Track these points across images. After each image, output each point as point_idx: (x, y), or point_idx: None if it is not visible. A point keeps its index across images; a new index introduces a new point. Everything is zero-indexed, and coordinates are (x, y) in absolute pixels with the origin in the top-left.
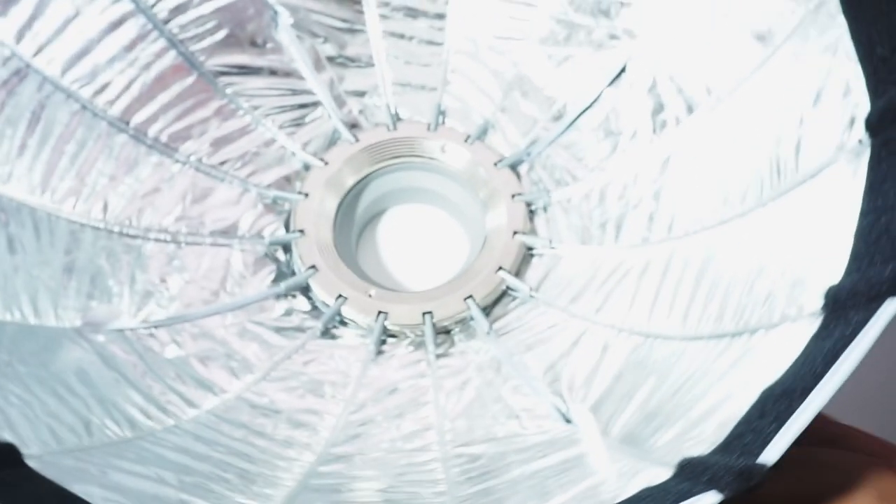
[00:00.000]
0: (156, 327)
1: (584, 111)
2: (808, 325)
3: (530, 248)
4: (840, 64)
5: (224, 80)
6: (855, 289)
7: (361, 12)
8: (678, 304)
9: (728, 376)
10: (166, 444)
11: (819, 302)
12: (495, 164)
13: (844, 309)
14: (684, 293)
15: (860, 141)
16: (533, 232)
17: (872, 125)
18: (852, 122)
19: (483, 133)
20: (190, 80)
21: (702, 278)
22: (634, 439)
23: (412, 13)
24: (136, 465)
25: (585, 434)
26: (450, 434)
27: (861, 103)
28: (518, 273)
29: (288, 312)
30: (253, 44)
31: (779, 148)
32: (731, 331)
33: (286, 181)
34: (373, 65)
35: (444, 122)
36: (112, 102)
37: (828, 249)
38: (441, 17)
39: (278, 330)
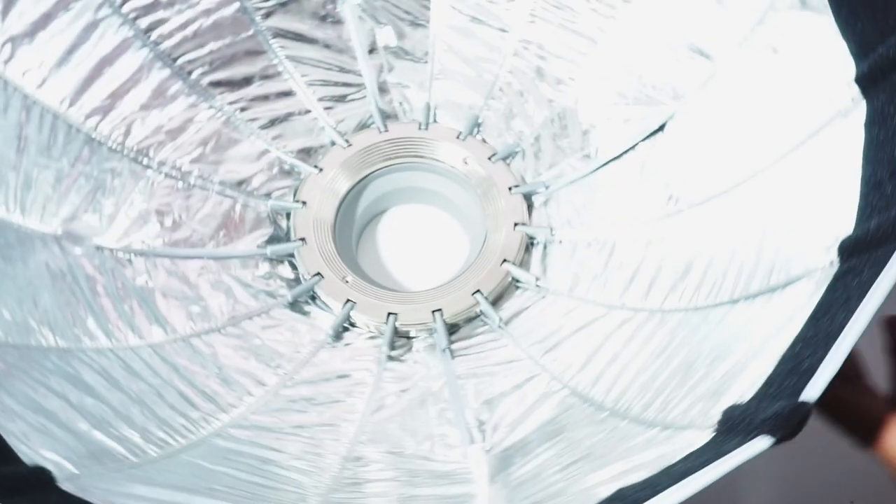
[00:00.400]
0: (135, 255)
1: (614, 158)
2: (702, 437)
3: (517, 280)
4: (844, 178)
5: (279, 42)
6: (744, 416)
7: (428, 8)
8: (625, 377)
9: (616, 463)
10: (91, 364)
11: (718, 417)
12: (510, 189)
13: (730, 432)
14: (635, 367)
15: (831, 263)
16: (526, 264)
17: (845, 250)
18: (834, 241)
19: (510, 155)
20: (245, 34)
21: (657, 358)
22: (520, 494)
23: (477, 20)
24: (47, 375)
25: (476, 476)
26: (364, 435)
27: (846, 226)
28: (496, 301)
29: (269, 276)
30: (315, 14)
31: (765, 248)
32: (649, 420)
33: (307, 153)
34: (426, 62)
35: (476, 134)
36: (165, 37)
37: (753, 368)
38: (504, 31)
39: (251, 290)
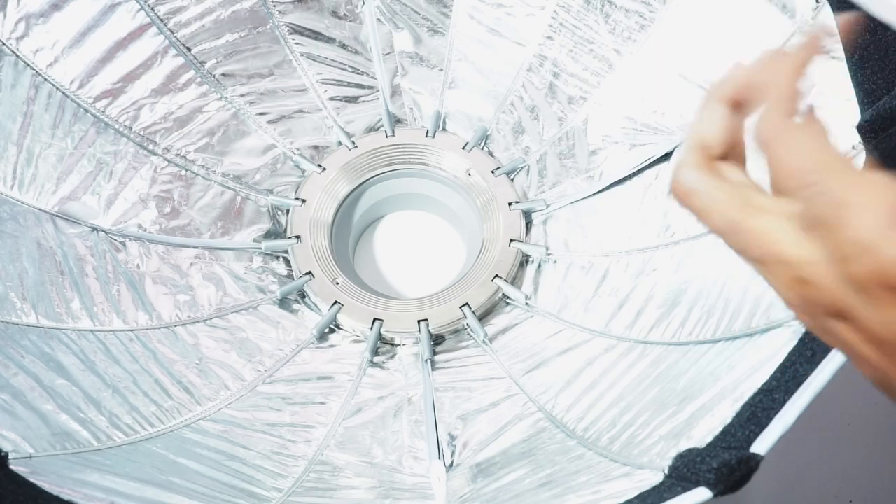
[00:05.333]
0: (130, 239)
1: (618, 182)
2: (654, 479)
3: (507, 297)
4: None
5: (295, 38)
6: (695, 463)
7: (448, 17)
8: (599, 406)
9: (569, 496)
10: (70, 346)
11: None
12: (510, 204)
13: (679, 477)
14: (611, 397)
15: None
16: (518, 281)
17: None
18: None
19: (514, 170)
20: (262, 28)
21: (632, 391)
22: None
23: (495, 32)
24: (22, 353)
25: (436, 493)
26: (334, 439)
27: None
28: (484, 316)
29: (262, 270)
30: (335, 13)
31: (752, 289)
32: (612, 454)
33: (313, 151)
34: (440, 69)
35: (483, 146)
36: (182, 26)
37: (718, 412)
38: (520, 45)
39: (242, 283)
